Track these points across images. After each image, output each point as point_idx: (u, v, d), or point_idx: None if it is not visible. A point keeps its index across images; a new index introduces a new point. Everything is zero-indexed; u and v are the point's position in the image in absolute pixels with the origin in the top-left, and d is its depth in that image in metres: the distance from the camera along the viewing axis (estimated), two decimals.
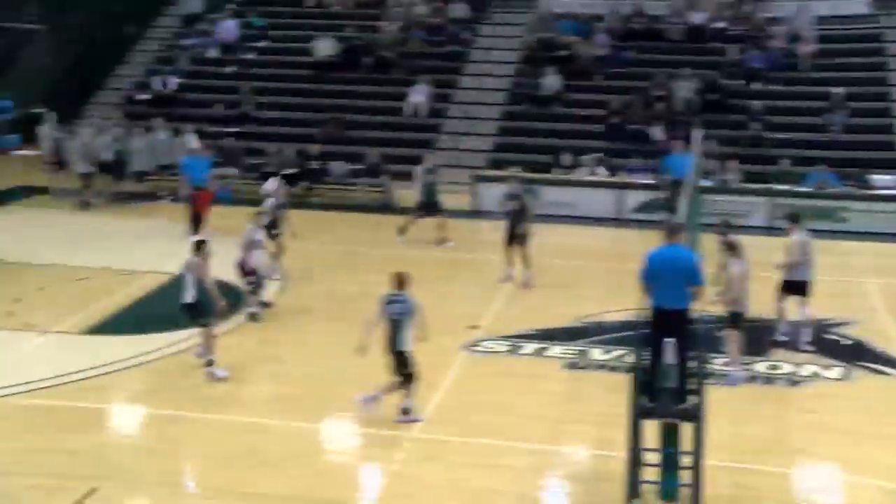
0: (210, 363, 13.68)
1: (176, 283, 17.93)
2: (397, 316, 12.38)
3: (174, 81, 29.68)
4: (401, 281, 12.57)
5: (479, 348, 15.25)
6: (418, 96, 28.34)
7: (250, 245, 16.17)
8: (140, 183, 24.81)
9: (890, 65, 28.28)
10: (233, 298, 16.15)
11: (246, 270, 16.17)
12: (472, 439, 12.16)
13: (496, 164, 26.00)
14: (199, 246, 13.84)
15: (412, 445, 11.96)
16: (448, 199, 24.53)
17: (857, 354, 14.74)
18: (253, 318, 16.08)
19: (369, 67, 29.94)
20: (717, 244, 14.60)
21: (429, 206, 21.25)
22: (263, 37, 32.08)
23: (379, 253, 20.45)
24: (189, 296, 13.65)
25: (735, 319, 13.95)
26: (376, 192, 25.22)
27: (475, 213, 23.95)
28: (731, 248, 14.02)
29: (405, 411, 12.48)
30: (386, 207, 24.50)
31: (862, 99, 26.98)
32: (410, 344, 12.46)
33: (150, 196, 24.67)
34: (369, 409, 12.36)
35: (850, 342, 15.59)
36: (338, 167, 25.76)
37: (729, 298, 13.80)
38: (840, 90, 26.47)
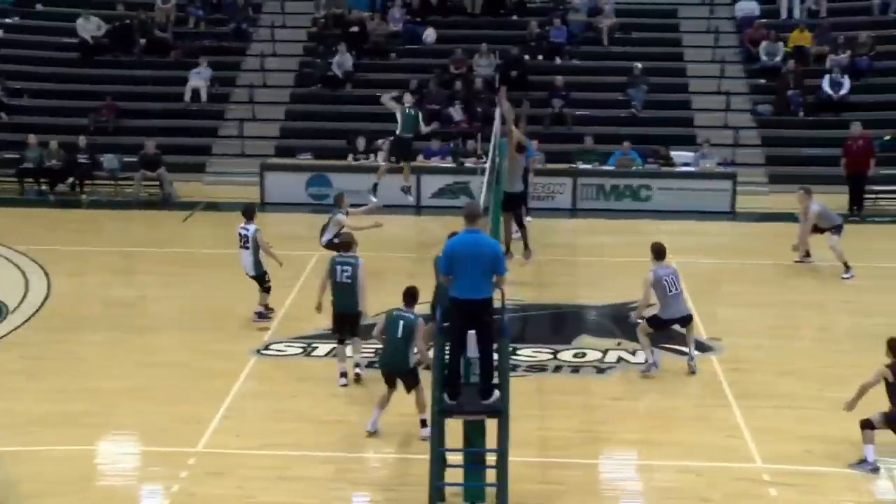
0: None
1: None
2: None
3: None
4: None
5: (269, 351, 15.12)
6: (198, 80, 27.75)
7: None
8: None
9: (685, 40, 29.61)
10: None
11: None
12: (265, 451, 12.06)
13: (285, 152, 25.80)
14: None
15: (198, 461, 11.75)
16: (235, 192, 24.32)
17: (660, 337, 15.31)
18: None
19: (143, 49, 29.11)
20: None
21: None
22: (13, 12, 30.55)
23: (158, 253, 19.98)
24: None
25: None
26: (154, 186, 24.58)
27: (263, 205, 23.64)
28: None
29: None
30: (165, 203, 23.95)
31: (661, 74, 28.14)
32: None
33: None
34: None
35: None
36: (109, 160, 24.94)
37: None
38: (639, 65, 27.50)
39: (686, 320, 14.35)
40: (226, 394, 13.49)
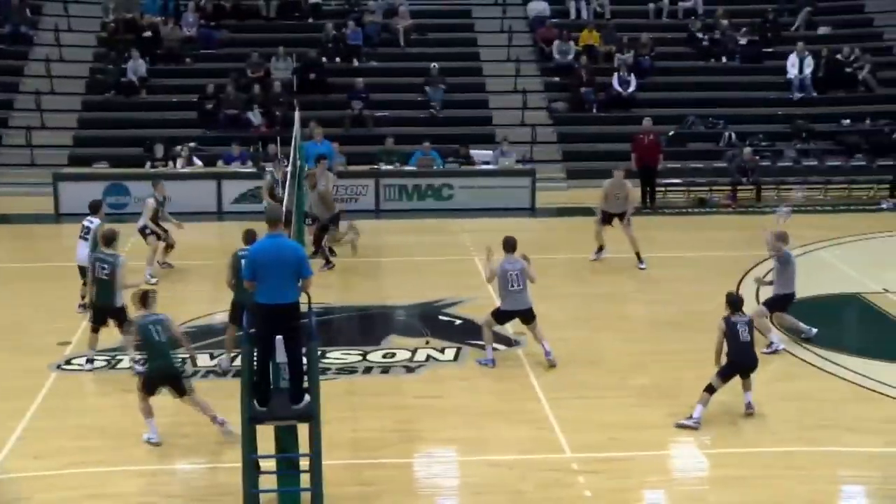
0: None
1: None
2: None
3: None
4: None
5: (71, 366, 14.63)
6: None
7: None
8: None
9: (480, 40, 30.20)
10: None
11: None
12: (69, 469, 11.65)
13: (79, 161, 24.98)
14: None
15: None
16: (26, 203, 23.43)
17: (468, 334, 15.58)
18: None
19: None
20: None
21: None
22: None
23: None
24: None
25: None
26: None
27: (59, 216, 22.91)
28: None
29: None
30: None
31: (458, 74, 28.60)
32: None
33: None
34: None
35: (461, 322, 16.48)
36: None
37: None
38: (436, 65, 27.87)
39: (527, 314, 14.57)
40: (23, 414, 12.94)
